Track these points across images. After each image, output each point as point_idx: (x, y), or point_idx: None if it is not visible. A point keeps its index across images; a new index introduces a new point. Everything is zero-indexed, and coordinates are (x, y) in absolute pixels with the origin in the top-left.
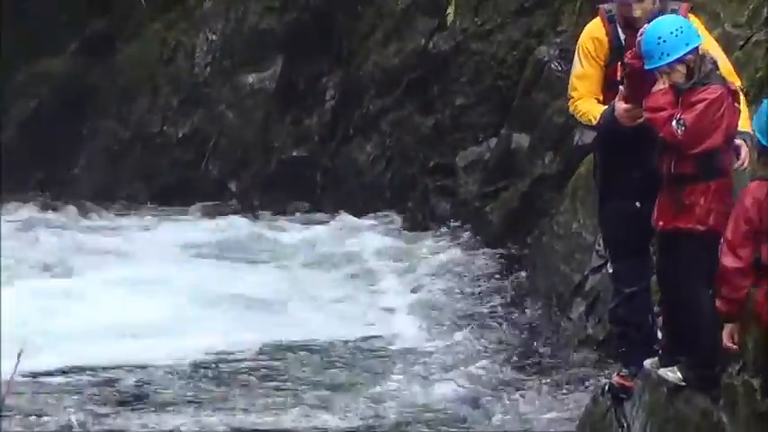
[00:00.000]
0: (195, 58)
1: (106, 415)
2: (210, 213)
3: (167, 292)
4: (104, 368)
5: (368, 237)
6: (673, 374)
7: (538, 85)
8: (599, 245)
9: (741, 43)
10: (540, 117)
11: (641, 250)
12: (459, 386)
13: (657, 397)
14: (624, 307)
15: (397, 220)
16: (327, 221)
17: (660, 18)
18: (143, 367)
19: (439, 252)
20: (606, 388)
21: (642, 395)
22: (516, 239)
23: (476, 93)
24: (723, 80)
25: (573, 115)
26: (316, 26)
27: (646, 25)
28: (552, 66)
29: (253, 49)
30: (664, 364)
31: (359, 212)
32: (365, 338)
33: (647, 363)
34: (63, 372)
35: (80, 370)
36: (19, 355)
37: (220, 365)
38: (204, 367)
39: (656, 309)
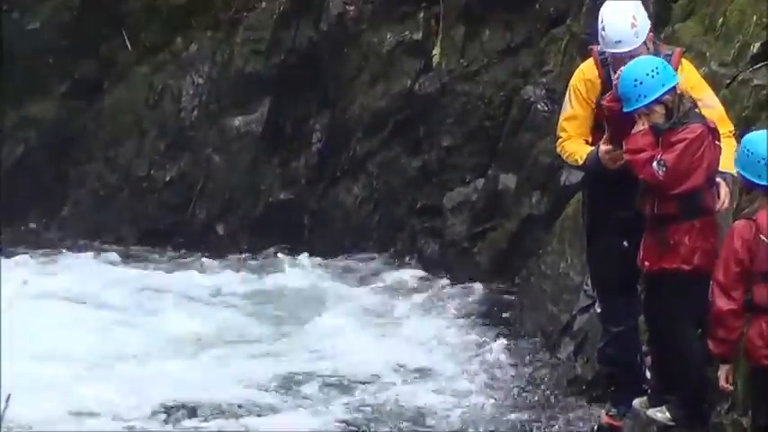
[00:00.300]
0: (182, 102)
1: None
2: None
3: None
4: None
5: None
6: (662, 414)
7: (524, 125)
8: (587, 285)
9: (727, 82)
10: (526, 157)
11: (629, 289)
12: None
13: None
14: (613, 346)
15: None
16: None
17: (635, 60)
18: None
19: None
20: (595, 428)
21: None
22: (504, 280)
23: (462, 133)
24: (702, 118)
25: (560, 155)
26: (302, 69)
27: (621, 68)
28: (538, 106)
29: (239, 92)
30: (653, 404)
31: (346, 254)
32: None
33: (636, 402)
34: None
35: None
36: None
37: None
38: None
39: (644, 348)
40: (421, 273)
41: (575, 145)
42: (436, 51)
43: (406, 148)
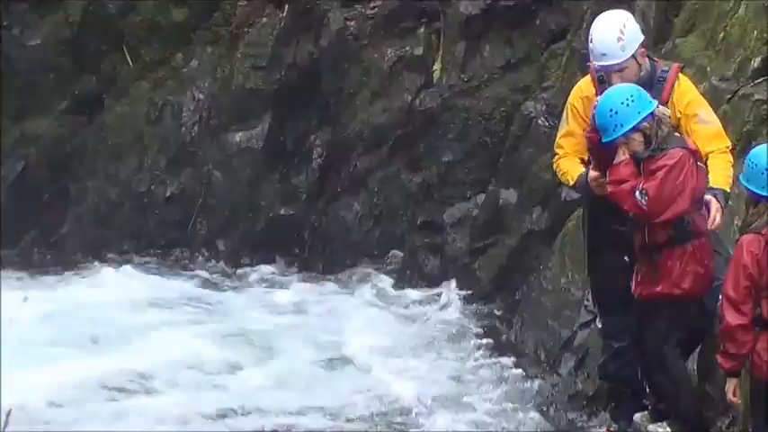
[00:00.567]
0: (182, 118)
1: None
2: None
3: None
4: None
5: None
6: (663, 430)
7: (525, 141)
8: (588, 300)
9: (728, 97)
10: (527, 173)
11: (630, 304)
12: None
13: None
14: (614, 362)
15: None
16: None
17: (610, 89)
18: None
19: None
20: None
21: None
22: (505, 295)
23: (463, 149)
24: (683, 141)
25: (555, 172)
26: (303, 84)
27: (596, 99)
28: (539, 121)
29: (240, 107)
30: (654, 420)
31: (347, 269)
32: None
33: (637, 417)
34: None
35: None
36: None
37: None
38: None
39: None
40: (421, 288)
41: (569, 164)
42: (437, 67)
43: (406, 163)
